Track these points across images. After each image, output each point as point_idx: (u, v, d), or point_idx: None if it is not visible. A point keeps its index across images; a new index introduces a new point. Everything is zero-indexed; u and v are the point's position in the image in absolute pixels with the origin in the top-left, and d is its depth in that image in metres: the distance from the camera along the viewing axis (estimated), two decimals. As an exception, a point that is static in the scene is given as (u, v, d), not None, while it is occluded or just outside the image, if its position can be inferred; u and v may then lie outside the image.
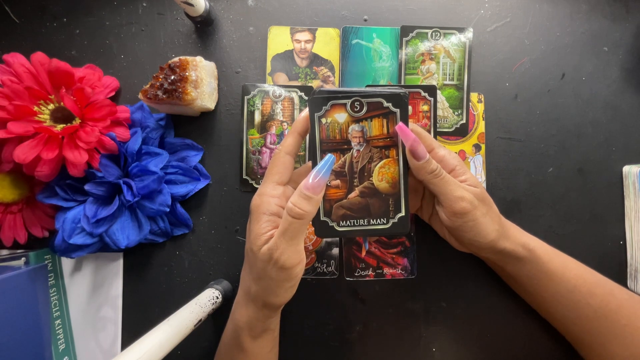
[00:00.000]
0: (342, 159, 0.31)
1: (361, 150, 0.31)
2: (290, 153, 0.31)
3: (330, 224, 0.31)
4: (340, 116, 0.30)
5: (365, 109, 0.30)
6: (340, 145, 0.31)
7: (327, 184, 0.31)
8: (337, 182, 0.31)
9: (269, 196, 0.30)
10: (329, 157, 0.28)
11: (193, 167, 0.39)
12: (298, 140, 0.31)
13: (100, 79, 0.38)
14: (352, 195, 0.31)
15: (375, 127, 0.31)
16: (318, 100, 0.30)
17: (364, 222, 0.31)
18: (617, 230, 0.41)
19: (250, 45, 0.41)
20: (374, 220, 0.31)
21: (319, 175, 0.27)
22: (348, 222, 0.31)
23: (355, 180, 0.31)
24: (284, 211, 0.27)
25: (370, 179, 0.31)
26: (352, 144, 0.31)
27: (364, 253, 0.40)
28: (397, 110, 0.30)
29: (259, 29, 0.41)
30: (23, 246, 0.38)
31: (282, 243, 0.27)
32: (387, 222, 0.31)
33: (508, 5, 0.42)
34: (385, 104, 0.30)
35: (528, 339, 0.40)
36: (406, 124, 0.30)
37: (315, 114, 0.30)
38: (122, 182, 0.35)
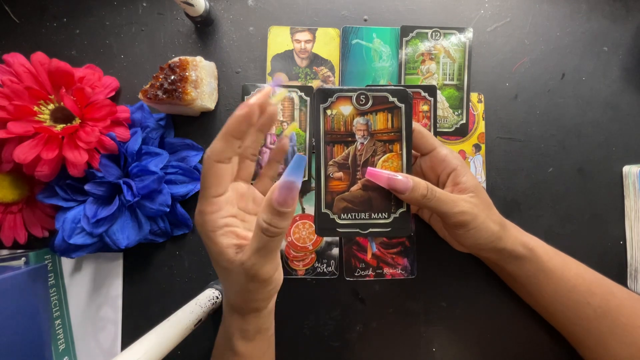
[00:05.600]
0: (346, 151, 0.31)
1: (365, 143, 0.31)
2: (220, 160, 0.26)
3: (331, 217, 0.31)
4: (346, 108, 0.30)
5: (370, 102, 0.30)
6: (345, 138, 0.31)
7: (329, 176, 0.31)
8: (340, 174, 0.31)
9: (208, 214, 0.26)
10: (298, 157, 0.22)
11: (193, 167, 0.39)
12: (229, 144, 0.26)
13: (100, 79, 0.38)
14: (354, 188, 0.31)
15: (380, 121, 0.31)
16: (324, 92, 0.30)
17: (365, 216, 0.31)
18: (617, 230, 0.41)
19: (250, 45, 0.41)
20: (375, 214, 0.31)
21: (288, 181, 0.22)
22: (349, 215, 0.31)
23: (358, 173, 0.31)
24: (255, 228, 0.24)
25: None
26: (356, 136, 0.31)
27: (369, 256, 0.40)
28: (402, 106, 0.30)
29: (259, 29, 0.41)
30: (23, 246, 0.38)
31: (259, 260, 0.25)
32: (389, 217, 0.31)
33: (508, 5, 0.42)
34: (391, 98, 0.30)
35: (528, 339, 0.40)
36: (410, 119, 0.31)
37: (321, 105, 0.30)
38: (122, 182, 0.35)
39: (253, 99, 0.26)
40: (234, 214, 0.28)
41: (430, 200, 0.29)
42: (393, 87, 0.31)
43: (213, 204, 0.26)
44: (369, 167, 0.30)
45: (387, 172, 0.30)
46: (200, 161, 0.40)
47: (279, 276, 0.27)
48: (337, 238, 0.40)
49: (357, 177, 0.31)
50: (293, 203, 0.23)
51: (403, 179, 0.29)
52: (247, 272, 0.25)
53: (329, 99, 0.30)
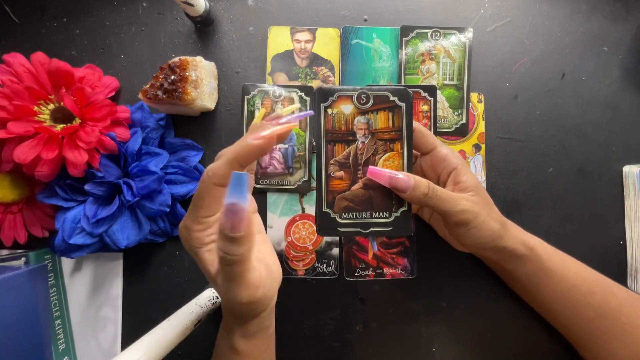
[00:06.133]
0: (347, 150, 0.31)
1: (366, 142, 0.31)
2: (220, 184, 0.24)
3: (332, 216, 0.31)
4: (347, 107, 0.30)
5: (371, 101, 0.30)
6: (346, 137, 0.31)
7: (330, 175, 0.31)
8: (341, 173, 0.31)
9: (195, 231, 0.25)
10: (235, 175, 0.19)
11: (193, 167, 0.39)
12: (234, 170, 0.24)
13: (100, 79, 0.38)
14: (355, 187, 0.31)
15: (381, 120, 0.31)
16: (325, 91, 0.30)
17: (366, 215, 0.31)
18: (617, 230, 0.41)
19: (250, 45, 0.41)
20: (377, 214, 0.31)
21: (229, 204, 0.20)
22: (350, 214, 0.31)
23: (359, 172, 0.31)
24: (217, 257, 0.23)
25: None
26: (357, 135, 0.31)
27: (370, 255, 0.40)
28: (403, 105, 0.30)
29: (259, 29, 0.41)
30: (23, 246, 0.38)
31: (230, 287, 0.24)
32: (390, 216, 0.31)
33: (508, 5, 0.42)
34: (392, 97, 0.30)
35: (528, 339, 0.40)
36: (411, 118, 0.31)
37: (322, 104, 0.30)
38: (122, 182, 0.35)
39: (270, 131, 0.24)
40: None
41: (432, 199, 0.29)
42: (394, 87, 0.31)
43: (201, 223, 0.25)
44: (370, 166, 0.30)
45: (388, 170, 0.30)
46: (201, 161, 0.40)
47: (262, 293, 0.26)
48: (337, 238, 0.40)
49: (358, 176, 0.31)
50: (244, 227, 0.20)
51: (404, 178, 0.29)
52: (224, 294, 0.24)
53: (330, 98, 0.30)
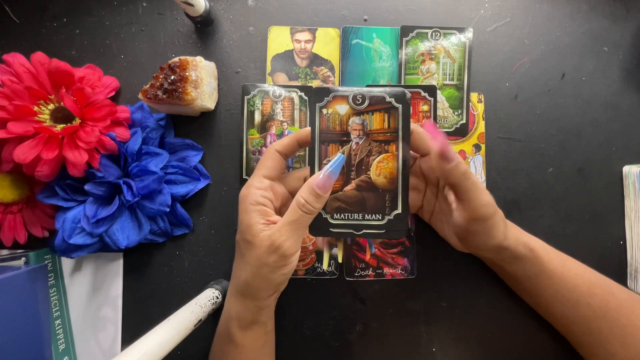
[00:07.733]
0: (341, 150, 0.31)
1: (360, 143, 0.31)
2: (281, 152, 0.32)
3: (323, 216, 0.31)
4: (342, 108, 0.30)
5: (367, 102, 0.30)
6: (340, 137, 0.31)
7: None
8: None
9: (255, 188, 0.31)
10: (339, 156, 0.29)
11: (193, 167, 0.39)
12: (294, 146, 0.32)
13: (100, 79, 0.38)
14: (348, 187, 0.31)
15: (376, 121, 0.30)
16: (320, 91, 0.30)
17: (358, 217, 0.31)
18: (617, 230, 0.41)
19: (250, 45, 0.41)
20: (369, 216, 0.31)
21: (328, 173, 0.28)
22: (342, 215, 0.31)
23: (352, 173, 0.31)
24: (291, 205, 0.29)
25: (368, 172, 0.31)
26: (352, 136, 0.31)
27: (368, 256, 0.40)
28: (400, 106, 0.30)
29: (259, 29, 0.41)
30: (23, 246, 0.38)
31: (288, 231, 0.28)
32: (382, 219, 0.31)
33: (508, 5, 0.42)
34: (388, 98, 0.30)
35: (528, 339, 0.40)
36: (407, 120, 0.30)
37: (317, 104, 0.30)
38: (122, 182, 0.35)
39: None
40: (270, 199, 0.31)
41: (468, 180, 0.29)
42: (390, 88, 0.30)
43: (262, 182, 0.31)
44: (430, 120, 0.31)
45: (444, 136, 0.28)
46: (201, 161, 0.40)
47: (294, 262, 0.30)
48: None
49: (352, 177, 0.31)
50: (328, 191, 0.29)
51: (453, 150, 0.28)
52: (273, 242, 0.28)
53: (325, 98, 0.30)
